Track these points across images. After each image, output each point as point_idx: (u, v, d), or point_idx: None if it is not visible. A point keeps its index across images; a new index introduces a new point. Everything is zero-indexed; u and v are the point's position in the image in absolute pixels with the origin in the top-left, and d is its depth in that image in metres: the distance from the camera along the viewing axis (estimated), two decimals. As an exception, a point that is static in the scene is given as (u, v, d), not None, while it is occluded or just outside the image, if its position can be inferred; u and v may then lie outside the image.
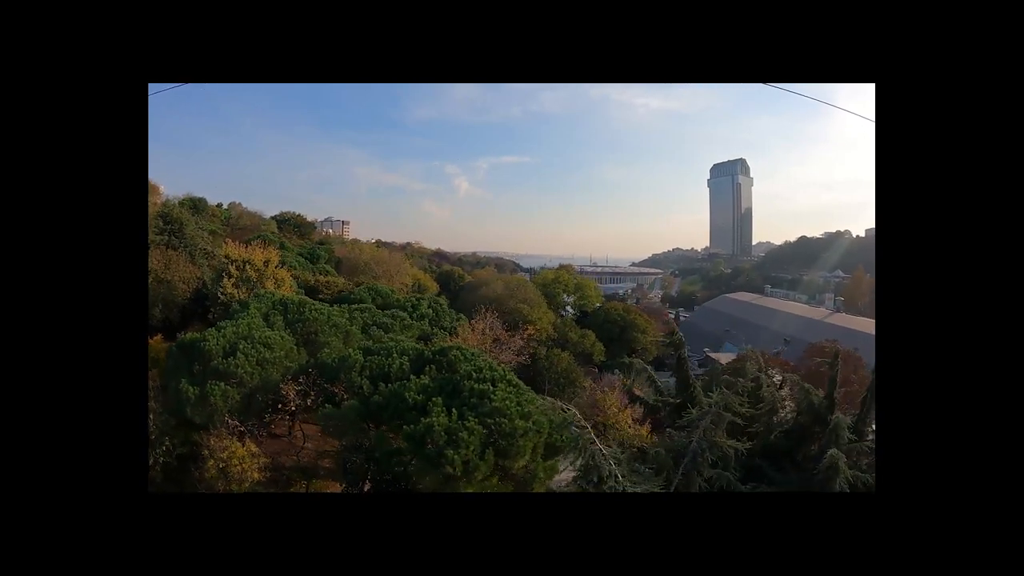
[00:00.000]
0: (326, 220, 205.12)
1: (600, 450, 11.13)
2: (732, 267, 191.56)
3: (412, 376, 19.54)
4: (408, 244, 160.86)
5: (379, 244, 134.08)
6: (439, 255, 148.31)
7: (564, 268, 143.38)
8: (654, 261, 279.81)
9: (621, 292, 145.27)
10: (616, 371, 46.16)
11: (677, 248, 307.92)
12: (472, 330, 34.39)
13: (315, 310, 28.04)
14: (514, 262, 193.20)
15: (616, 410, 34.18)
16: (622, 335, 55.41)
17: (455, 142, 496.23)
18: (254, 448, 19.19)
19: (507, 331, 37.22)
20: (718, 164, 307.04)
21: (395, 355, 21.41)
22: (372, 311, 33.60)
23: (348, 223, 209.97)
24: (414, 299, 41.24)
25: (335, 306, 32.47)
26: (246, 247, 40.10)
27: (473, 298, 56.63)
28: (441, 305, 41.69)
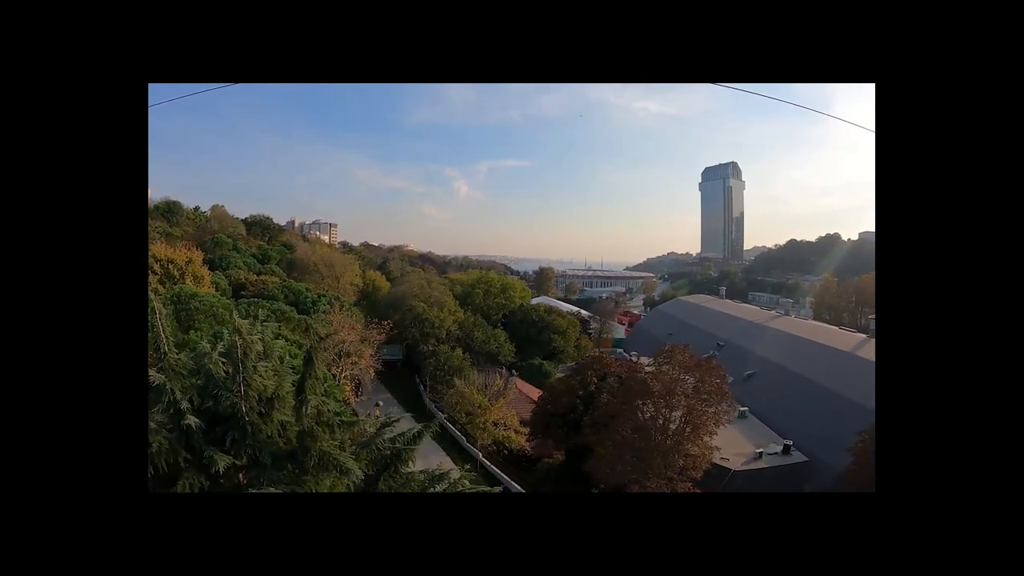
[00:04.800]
0: (314, 223, 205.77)
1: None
2: (720, 271, 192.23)
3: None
4: (395, 247, 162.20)
5: (365, 247, 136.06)
6: (424, 258, 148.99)
7: (546, 270, 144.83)
8: (648, 265, 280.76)
9: (604, 295, 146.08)
10: (513, 371, 47.57)
11: (672, 252, 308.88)
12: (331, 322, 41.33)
13: (200, 301, 33.29)
14: (505, 265, 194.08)
15: (480, 407, 36.48)
16: (539, 336, 55.48)
17: (454, 145, 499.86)
18: None
19: (376, 325, 45.43)
20: (710, 167, 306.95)
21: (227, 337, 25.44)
22: (256, 303, 40.06)
23: (335, 225, 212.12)
24: (315, 295, 48.52)
25: (242, 300, 40.44)
26: (173, 248, 46.00)
27: (388, 298, 58.62)
28: (342, 302, 48.37)
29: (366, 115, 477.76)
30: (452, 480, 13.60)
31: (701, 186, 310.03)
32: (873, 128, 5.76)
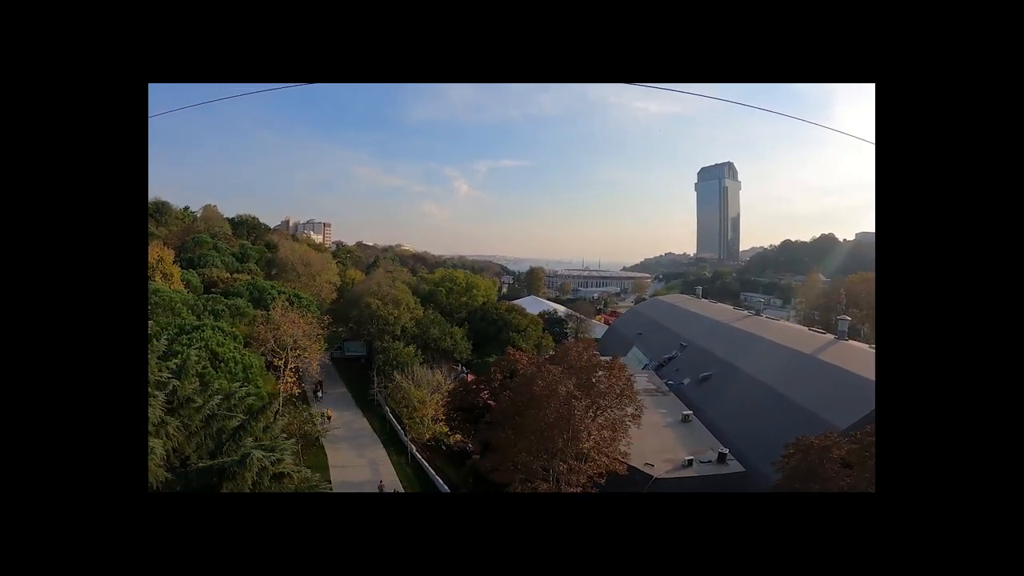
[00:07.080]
0: (308, 222, 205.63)
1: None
2: (715, 271, 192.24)
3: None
4: (389, 247, 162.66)
5: (359, 246, 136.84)
6: (416, 257, 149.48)
7: (536, 270, 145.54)
8: (645, 265, 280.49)
9: (596, 295, 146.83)
10: (464, 368, 47.82)
11: (669, 252, 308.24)
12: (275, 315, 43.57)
13: (160, 296, 37.38)
14: (500, 265, 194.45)
15: (420, 402, 37.38)
16: (498, 335, 55.60)
17: (454, 143, 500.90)
18: None
19: (316, 320, 46.23)
20: (705, 167, 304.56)
21: (172, 328, 30.23)
22: (215, 299, 45.02)
23: (329, 225, 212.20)
24: (276, 292, 52.08)
25: (202, 296, 46.01)
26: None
27: (350, 295, 59.77)
28: (300, 298, 51.64)
29: (366, 112, 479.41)
30: (280, 449, 15.89)
31: (697, 186, 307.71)
32: (873, 131, 5.78)
